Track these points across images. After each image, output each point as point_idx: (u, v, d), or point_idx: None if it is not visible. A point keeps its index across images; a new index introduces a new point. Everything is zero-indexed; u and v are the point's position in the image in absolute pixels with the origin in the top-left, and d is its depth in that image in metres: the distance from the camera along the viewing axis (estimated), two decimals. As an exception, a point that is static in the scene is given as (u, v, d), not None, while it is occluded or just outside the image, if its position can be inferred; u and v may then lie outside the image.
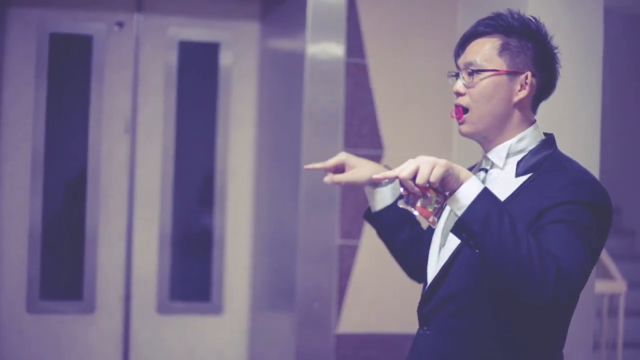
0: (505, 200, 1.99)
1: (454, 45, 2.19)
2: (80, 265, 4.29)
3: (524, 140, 2.11)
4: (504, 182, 2.08)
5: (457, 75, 2.13)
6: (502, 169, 2.10)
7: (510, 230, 1.82)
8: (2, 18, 4.20)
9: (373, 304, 3.87)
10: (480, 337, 2.02)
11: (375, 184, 2.37)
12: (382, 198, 2.39)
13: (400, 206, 1.89)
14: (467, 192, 1.86)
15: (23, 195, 4.24)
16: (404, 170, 1.84)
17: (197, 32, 4.45)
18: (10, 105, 4.23)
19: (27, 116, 4.24)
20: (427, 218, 1.88)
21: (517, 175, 2.07)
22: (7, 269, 4.22)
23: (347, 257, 3.79)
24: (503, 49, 2.08)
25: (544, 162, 2.07)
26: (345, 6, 3.78)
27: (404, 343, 3.88)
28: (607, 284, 4.79)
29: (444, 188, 1.86)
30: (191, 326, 4.43)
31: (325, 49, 3.75)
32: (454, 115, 2.12)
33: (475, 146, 2.20)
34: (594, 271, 3.13)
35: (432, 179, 1.82)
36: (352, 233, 3.80)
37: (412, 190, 1.86)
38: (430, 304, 2.09)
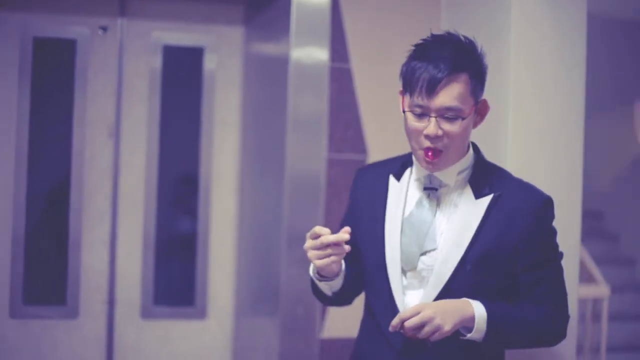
0: (478, 227, 2.06)
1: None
2: (64, 270, 4.27)
3: (470, 157, 2.15)
4: (467, 204, 2.10)
5: (421, 116, 2.05)
6: (452, 186, 2.13)
7: (520, 323, 2.09)
8: (-15, 22, 4.19)
9: (357, 309, 3.86)
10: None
11: (326, 276, 2.37)
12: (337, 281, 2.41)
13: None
14: (480, 323, 2.04)
15: (6, 200, 4.21)
16: (410, 321, 2.00)
17: (181, 36, 4.44)
18: (-7, 110, 4.21)
19: (10, 121, 4.22)
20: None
21: (478, 197, 2.09)
22: (-11, 274, 4.20)
23: (331, 262, 3.78)
24: (473, 87, 2.06)
25: (493, 178, 2.12)
26: (329, 11, 3.78)
27: (388, 347, 3.88)
28: (590, 288, 4.81)
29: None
30: (175, 331, 4.42)
31: (309, 53, 3.75)
32: (429, 158, 2.07)
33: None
34: (577, 275, 3.15)
35: (432, 339, 2.01)
36: (336, 237, 3.79)
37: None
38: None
